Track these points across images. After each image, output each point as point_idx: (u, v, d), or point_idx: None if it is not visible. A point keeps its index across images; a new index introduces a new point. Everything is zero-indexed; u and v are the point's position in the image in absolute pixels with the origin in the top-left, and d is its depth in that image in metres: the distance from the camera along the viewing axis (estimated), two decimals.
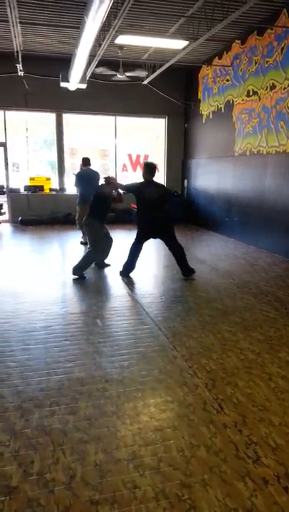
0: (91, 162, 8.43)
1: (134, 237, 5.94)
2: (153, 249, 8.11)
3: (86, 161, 8.32)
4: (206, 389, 2.98)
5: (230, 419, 2.63)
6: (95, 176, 8.15)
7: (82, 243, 8.22)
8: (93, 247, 6.02)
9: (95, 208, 5.97)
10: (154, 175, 5.75)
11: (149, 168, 5.74)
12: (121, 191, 6.14)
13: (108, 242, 6.37)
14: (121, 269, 6.01)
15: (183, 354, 3.53)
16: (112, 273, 6.32)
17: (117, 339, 3.85)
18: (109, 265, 6.50)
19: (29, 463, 2.24)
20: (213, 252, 7.82)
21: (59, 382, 3.05)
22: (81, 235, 8.30)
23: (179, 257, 5.85)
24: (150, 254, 7.72)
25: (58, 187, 11.55)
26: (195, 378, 3.13)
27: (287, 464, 2.24)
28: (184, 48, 7.92)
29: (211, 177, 10.31)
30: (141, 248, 5.93)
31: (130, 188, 5.86)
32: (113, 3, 5.32)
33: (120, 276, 5.92)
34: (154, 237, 5.96)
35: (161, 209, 5.67)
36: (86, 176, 8.15)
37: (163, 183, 5.75)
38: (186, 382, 3.06)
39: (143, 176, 5.79)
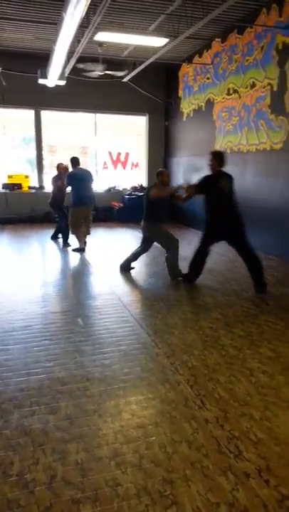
0: (80, 161, 7.80)
1: (201, 240, 5.38)
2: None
3: (76, 161, 7.63)
4: (188, 385, 2.98)
5: (212, 415, 2.64)
6: (88, 175, 7.70)
7: (75, 250, 7.63)
8: (167, 248, 5.70)
9: (148, 212, 5.61)
10: (224, 164, 5.19)
11: (221, 157, 5.19)
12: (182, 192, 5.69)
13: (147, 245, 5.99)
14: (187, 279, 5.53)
15: (165, 351, 3.52)
16: (95, 272, 6.28)
17: (98, 338, 3.82)
18: (133, 268, 6.21)
19: (8, 464, 2.20)
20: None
21: (39, 382, 3.00)
22: (76, 240, 7.76)
23: (254, 269, 5.12)
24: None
25: (37, 185, 11.40)
26: (177, 375, 3.13)
27: (268, 457, 2.26)
28: (164, 46, 7.92)
29: (192, 175, 10.32)
30: (209, 252, 5.42)
31: (203, 187, 5.22)
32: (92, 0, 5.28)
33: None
34: (225, 239, 5.24)
35: (235, 203, 5.12)
36: (78, 176, 7.57)
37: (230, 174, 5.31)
38: (168, 379, 3.06)
39: (212, 166, 5.20)
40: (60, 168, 8.18)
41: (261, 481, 2.09)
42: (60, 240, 8.39)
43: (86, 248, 7.62)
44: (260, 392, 2.91)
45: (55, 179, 8.17)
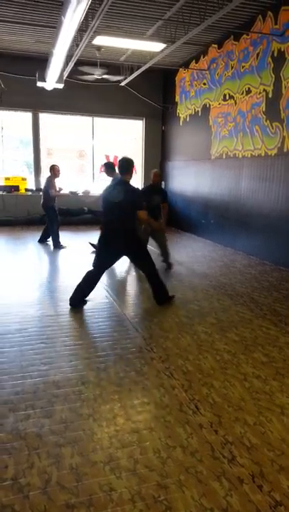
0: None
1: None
2: None
3: (113, 167, 7.08)
4: (183, 390, 3.00)
5: (206, 420, 2.65)
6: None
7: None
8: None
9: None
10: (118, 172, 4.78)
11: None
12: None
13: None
14: None
15: (160, 355, 3.54)
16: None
17: (93, 341, 3.83)
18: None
19: (3, 468, 2.20)
20: (190, 254, 7.88)
21: (34, 386, 3.00)
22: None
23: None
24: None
25: (34, 187, 11.40)
26: (172, 379, 3.14)
27: (261, 463, 2.28)
28: (161, 51, 7.98)
29: (188, 179, 10.40)
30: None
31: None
32: (91, 4, 5.30)
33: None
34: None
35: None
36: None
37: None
38: (163, 384, 3.07)
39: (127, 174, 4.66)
40: (55, 169, 8.19)
41: (254, 487, 2.11)
42: (50, 243, 8.42)
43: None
44: (254, 397, 2.93)
45: (49, 180, 8.17)
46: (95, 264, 4.66)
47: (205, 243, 9.04)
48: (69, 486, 2.09)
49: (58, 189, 8.21)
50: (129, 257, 5.14)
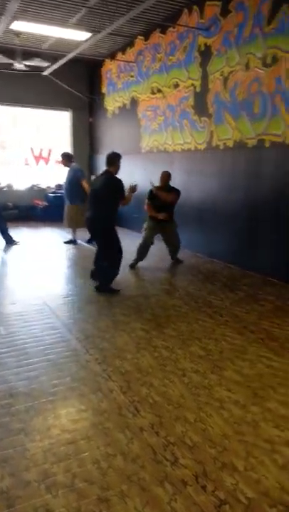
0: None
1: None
2: (58, 248, 7.82)
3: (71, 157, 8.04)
4: (121, 392, 2.87)
5: (147, 422, 2.56)
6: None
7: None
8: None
9: None
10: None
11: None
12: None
13: None
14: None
15: (96, 357, 3.38)
16: (18, 274, 5.93)
17: (23, 347, 3.55)
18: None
19: None
20: (124, 249, 7.75)
21: None
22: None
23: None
24: (56, 253, 7.43)
25: None
26: (109, 382, 3.00)
27: (204, 461, 2.22)
28: (86, 40, 7.72)
29: (119, 173, 10.24)
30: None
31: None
32: None
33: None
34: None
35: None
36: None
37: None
38: (101, 387, 2.93)
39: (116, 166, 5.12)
40: None
41: (198, 488, 2.05)
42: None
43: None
44: (193, 392, 2.89)
45: None
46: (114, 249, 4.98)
47: (138, 237, 8.95)
48: None
49: None
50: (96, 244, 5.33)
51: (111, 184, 4.94)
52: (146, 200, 6.24)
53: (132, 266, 6.19)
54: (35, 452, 2.28)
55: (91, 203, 5.05)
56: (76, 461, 2.22)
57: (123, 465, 2.19)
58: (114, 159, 5.09)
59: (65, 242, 8.07)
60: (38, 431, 2.46)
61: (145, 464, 2.20)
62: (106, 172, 5.10)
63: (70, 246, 7.90)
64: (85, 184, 7.47)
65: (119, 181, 4.99)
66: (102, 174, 5.17)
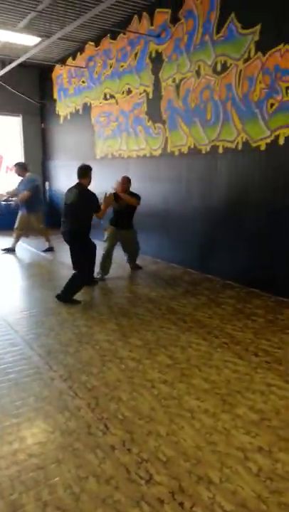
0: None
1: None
2: (13, 259, 7.55)
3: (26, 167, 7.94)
4: (89, 409, 2.78)
5: (118, 439, 2.48)
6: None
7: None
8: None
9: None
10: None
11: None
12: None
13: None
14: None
15: (61, 374, 3.25)
16: None
17: None
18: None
19: None
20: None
21: None
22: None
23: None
24: (11, 264, 7.16)
25: None
26: (76, 399, 2.90)
27: (179, 476, 2.18)
28: (35, 45, 7.53)
29: (73, 179, 10.06)
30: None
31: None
32: None
33: None
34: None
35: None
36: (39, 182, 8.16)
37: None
38: (67, 406, 2.81)
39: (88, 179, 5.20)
40: None
41: (176, 505, 2.00)
42: None
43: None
44: (163, 404, 2.85)
45: None
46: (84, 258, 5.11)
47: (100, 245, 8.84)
48: None
49: None
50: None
51: (86, 199, 5.00)
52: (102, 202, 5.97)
53: (98, 281, 5.94)
54: (2, 481, 2.15)
55: (66, 217, 5.07)
56: (46, 487, 2.11)
57: (96, 488, 2.11)
58: (85, 171, 5.15)
59: (3, 250, 7.90)
60: (3, 457, 2.32)
61: (119, 484, 2.13)
62: (78, 185, 5.12)
63: (10, 254, 7.75)
64: (26, 194, 7.49)
65: (93, 195, 5.07)
66: (74, 187, 5.15)
